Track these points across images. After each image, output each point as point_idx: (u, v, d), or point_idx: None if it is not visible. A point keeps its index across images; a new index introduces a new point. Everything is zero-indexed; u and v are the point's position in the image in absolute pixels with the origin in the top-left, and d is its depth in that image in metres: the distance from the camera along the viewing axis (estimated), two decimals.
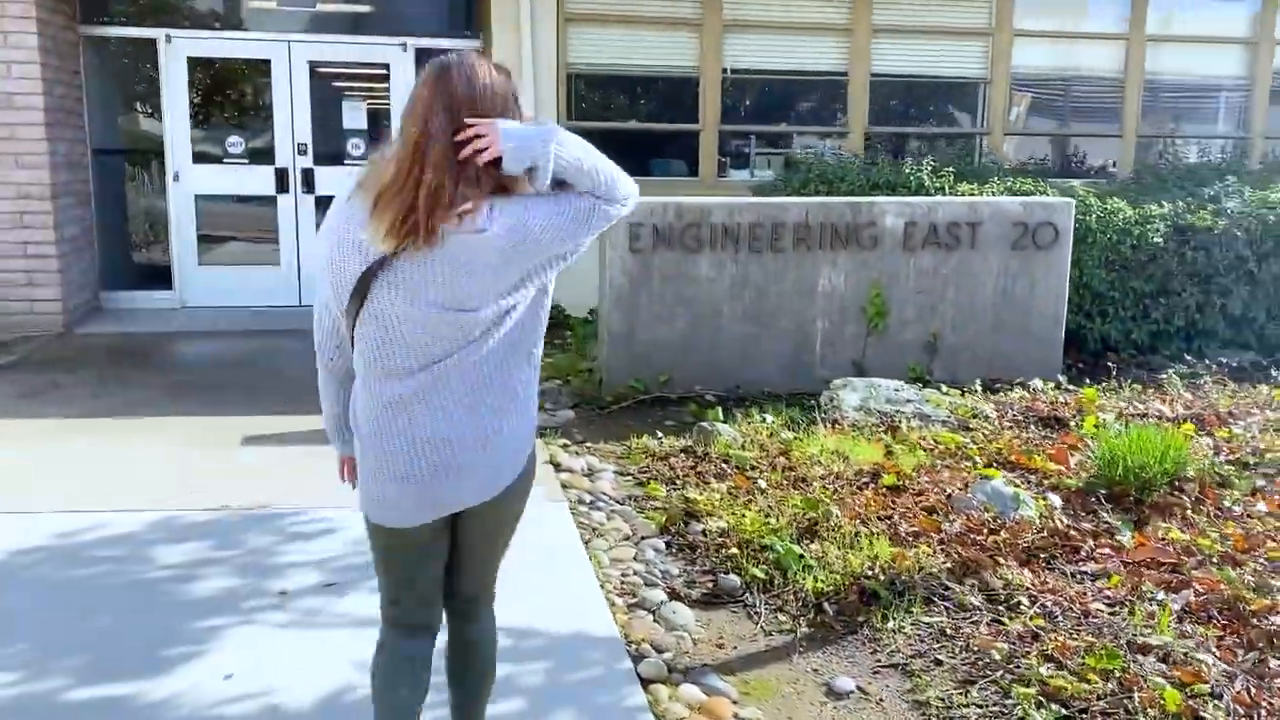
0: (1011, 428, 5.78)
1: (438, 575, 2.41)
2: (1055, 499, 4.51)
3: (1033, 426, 5.83)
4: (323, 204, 9.64)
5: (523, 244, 2.16)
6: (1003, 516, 4.27)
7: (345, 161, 9.62)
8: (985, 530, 4.17)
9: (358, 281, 2.18)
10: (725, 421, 5.79)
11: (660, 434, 5.77)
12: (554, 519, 4.50)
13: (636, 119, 9.32)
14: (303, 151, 9.48)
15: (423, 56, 9.73)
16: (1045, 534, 4.15)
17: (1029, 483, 4.87)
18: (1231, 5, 9.99)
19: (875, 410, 5.75)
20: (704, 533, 4.33)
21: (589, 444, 5.67)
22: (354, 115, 9.65)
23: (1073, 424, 5.81)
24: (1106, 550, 4.04)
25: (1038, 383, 6.60)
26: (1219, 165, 8.52)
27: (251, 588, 3.76)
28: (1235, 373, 7.05)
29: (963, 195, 7.23)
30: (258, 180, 9.49)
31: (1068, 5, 9.71)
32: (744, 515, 4.38)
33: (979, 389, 6.51)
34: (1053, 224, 6.75)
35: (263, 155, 9.45)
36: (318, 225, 9.58)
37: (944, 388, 6.44)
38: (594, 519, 4.57)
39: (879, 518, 4.34)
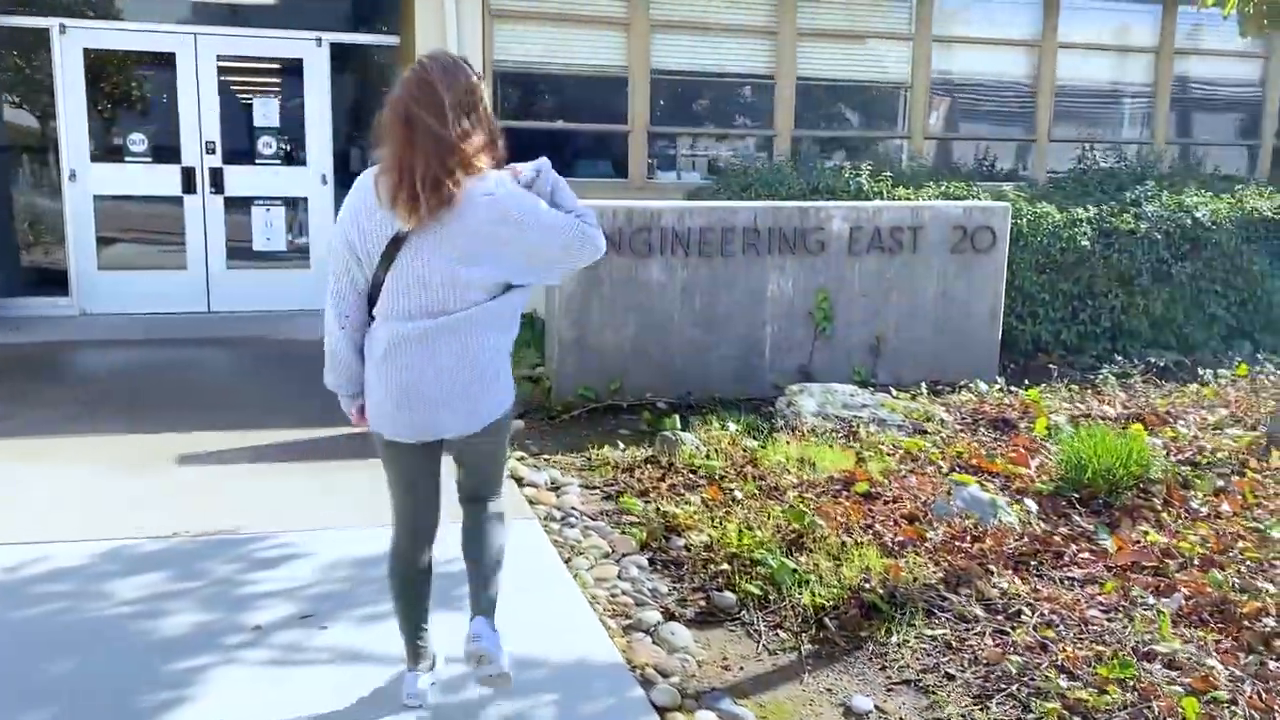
0: (964, 431, 5.84)
1: (431, 489, 2.98)
2: (1031, 504, 4.54)
3: (983, 429, 5.89)
4: (233, 206, 9.22)
5: (507, 221, 2.70)
6: (983, 523, 4.27)
7: (257, 161, 9.21)
8: (969, 538, 4.17)
9: (386, 246, 2.71)
10: (684, 429, 5.70)
11: (620, 444, 5.64)
12: (528, 538, 4.33)
13: (564, 119, 9.15)
14: (211, 150, 9.03)
15: (339, 52, 9.39)
16: (1027, 540, 4.17)
17: (995, 487, 4.91)
18: (1137, 14, 10.35)
19: (833, 416, 5.74)
20: (687, 548, 4.22)
21: (546, 456, 5.51)
22: (266, 112, 9.24)
23: (1022, 426, 5.90)
24: (1088, 555, 4.08)
25: (981, 385, 6.69)
26: (1135, 170, 8.81)
27: (223, 623, 3.50)
28: (1161, 372, 7.28)
29: (901, 200, 7.29)
30: (162, 180, 8.99)
31: (985, 12, 9.91)
32: (726, 528, 4.29)
33: (925, 391, 6.57)
34: (990, 228, 6.86)
35: (168, 154, 8.96)
36: (227, 228, 9.16)
37: (894, 391, 6.47)
38: (569, 536, 4.41)
39: (862, 527, 4.30)
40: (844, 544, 4.11)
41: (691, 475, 5.05)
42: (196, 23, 8.88)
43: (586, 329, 6.24)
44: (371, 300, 2.79)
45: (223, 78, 9.01)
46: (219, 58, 8.95)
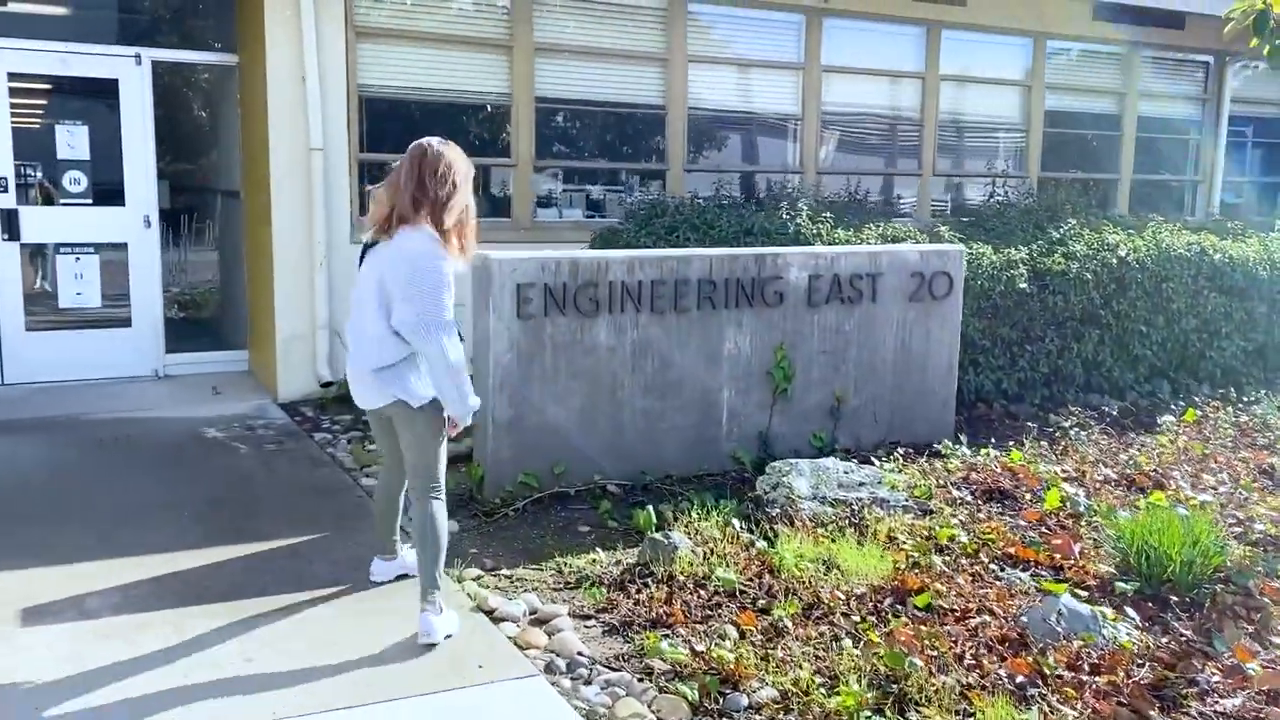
0: (962, 505, 5.20)
1: (394, 447, 4.02)
2: (1132, 613, 3.89)
3: (984, 502, 5.28)
4: (31, 254, 7.62)
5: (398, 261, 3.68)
6: (1095, 645, 3.58)
7: (62, 200, 7.65)
8: (1088, 667, 3.46)
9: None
10: (659, 524, 4.79)
11: (589, 548, 4.67)
12: (540, 707, 3.32)
13: None
14: (2, 188, 7.41)
15: (162, 71, 7.97)
16: (1149, 665, 3.51)
17: (1049, 579, 4.26)
18: (1010, 50, 10.24)
19: (830, 499, 4.97)
20: (754, 708, 3.32)
21: (506, 571, 4.47)
22: (73, 143, 7.68)
23: (1025, 497, 5.33)
24: (1220, 678, 3.46)
25: (956, 447, 6.11)
26: (1016, 204, 8.52)
27: None
28: (1104, 419, 6.95)
29: (843, 243, 6.66)
30: None
31: (869, 44, 9.50)
32: (795, 675, 3.42)
33: (897, 457, 5.92)
34: (947, 273, 6.32)
35: None
36: (25, 281, 7.54)
37: (886, 463, 5.78)
38: (591, 699, 3.42)
39: (953, 657, 3.53)
40: (958, 690, 3.31)
41: (701, 591, 4.15)
42: None
43: (526, 405, 5.23)
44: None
45: (17, 100, 7.43)
46: (11, 76, 7.37)
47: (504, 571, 4.46)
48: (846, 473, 5.14)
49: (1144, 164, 11.22)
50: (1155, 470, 5.73)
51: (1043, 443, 6.35)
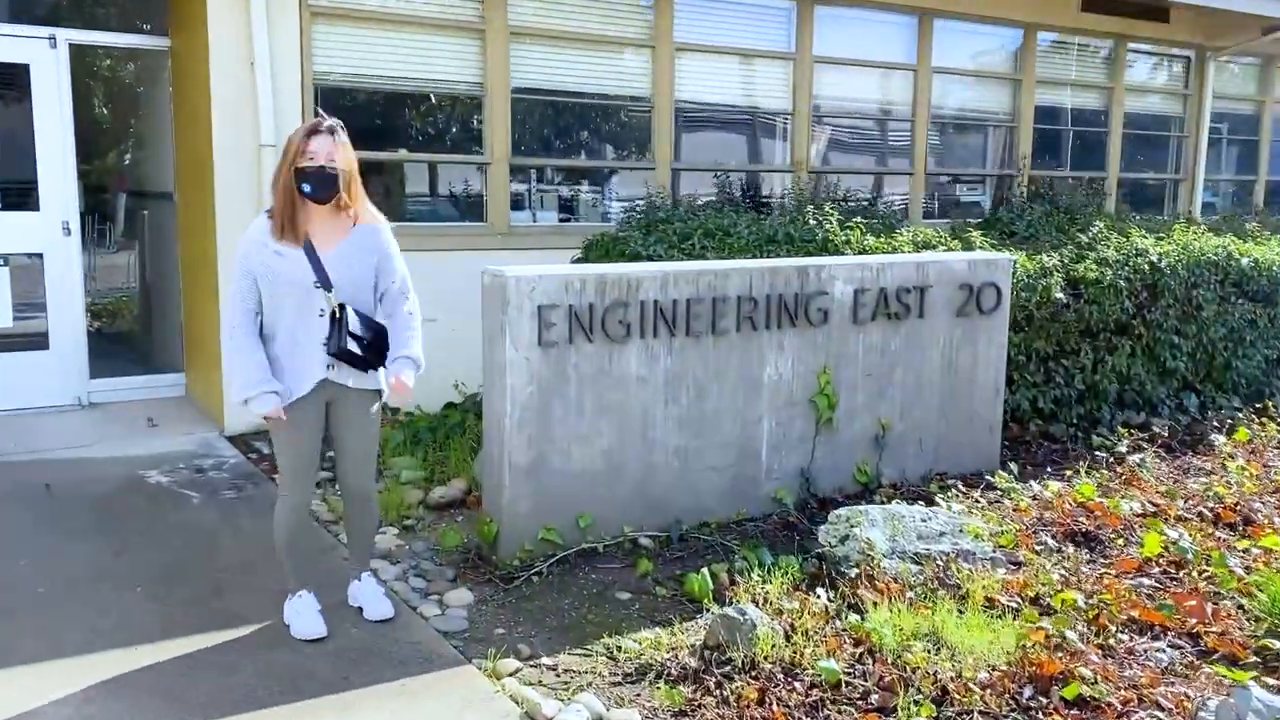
0: (1048, 553, 4.56)
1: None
2: None
3: (1069, 548, 4.64)
4: None
5: None
6: None
7: None
8: None
9: None
10: (718, 593, 4.05)
11: (644, 624, 3.91)
12: None
13: (405, 147, 7.17)
14: None
15: (81, 55, 6.95)
16: None
17: (1191, 651, 3.63)
18: (1000, 41, 9.72)
19: (910, 554, 4.27)
20: None
21: (546, 659, 3.67)
22: None
23: (1111, 539, 4.70)
24: None
25: (1016, 481, 5.47)
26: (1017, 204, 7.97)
27: None
28: (1153, 439, 6.41)
29: (874, 250, 5.98)
30: None
31: (857, 36, 8.86)
32: None
33: (961, 494, 5.27)
34: (996, 284, 5.69)
35: None
36: None
37: (953, 502, 5.11)
38: None
39: None
40: None
41: (796, 685, 3.41)
42: None
43: (549, 447, 4.43)
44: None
45: None
46: None
47: (544, 660, 3.66)
48: (924, 520, 4.45)
49: (1129, 161, 10.83)
50: (1238, 503, 5.16)
51: (1102, 470, 5.76)
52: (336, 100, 6.73)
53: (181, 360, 7.39)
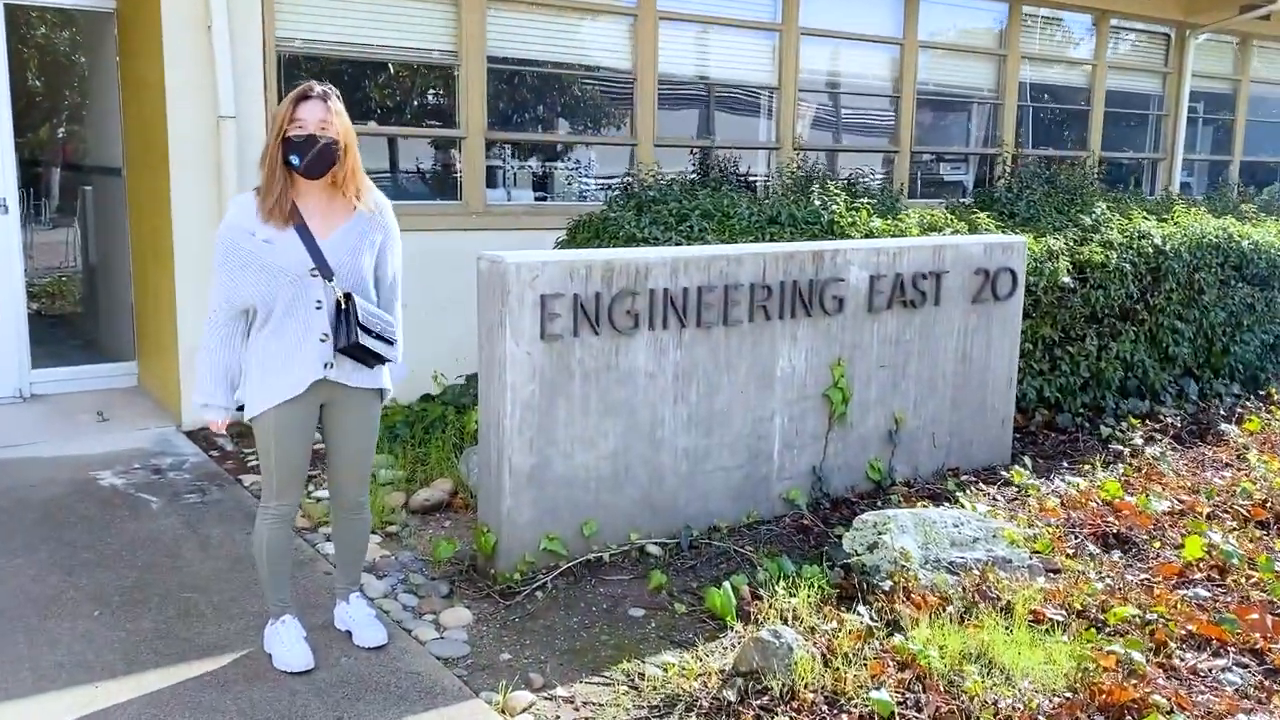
0: (1082, 557, 4.29)
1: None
2: None
3: (1099, 549, 4.38)
4: None
5: None
6: None
7: None
8: None
9: None
10: (741, 609, 3.72)
11: (664, 645, 3.56)
12: None
13: (373, 119, 6.69)
14: None
15: (16, 15, 6.37)
16: None
17: (1259, 669, 3.37)
18: (984, 16, 9.43)
19: (945, 562, 3.97)
20: None
21: (560, 690, 3.31)
22: None
23: (1144, 540, 4.44)
24: None
25: (1030, 476, 5.20)
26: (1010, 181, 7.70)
27: None
28: (1165, 430, 6.19)
29: (881, 232, 5.65)
30: None
31: (846, 5, 8.52)
32: None
33: (983, 493, 4.99)
34: (1011, 269, 5.40)
35: None
36: None
37: (963, 499, 4.82)
38: None
39: None
40: None
41: (842, 717, 3.08)
42: None
43: (552, 450, 4.05)
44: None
45: None
46: None
47: (559, 691, 3.30)
48: (956, 526, 4.14)
49: (1110, 140, 10.63)
50: (1267, 500, 4.94)
51: (1119, 464, 5.51)
52: (300, 69, 6.24)
53: (133, 348, 6.87)
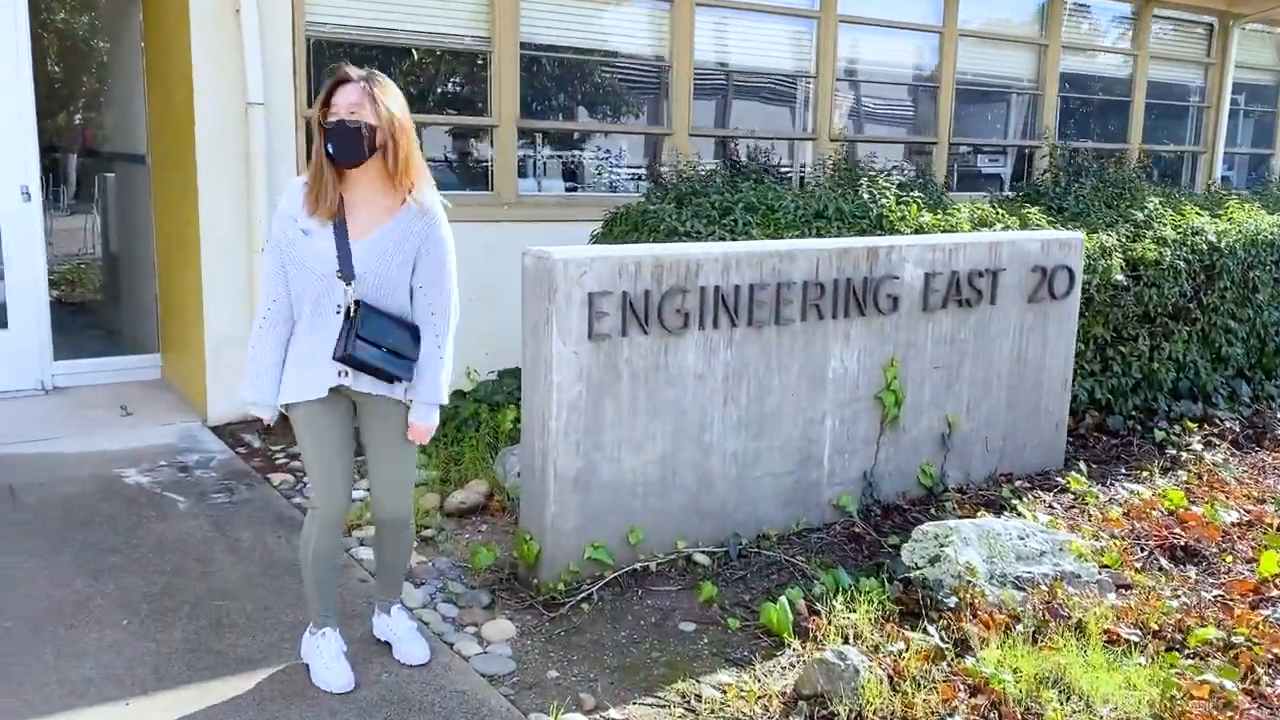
0: (1150, 572, 4.09)
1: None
2: None
3: (1169, 564, 4.18)
4: None
5: None
6: None
7: None
8: None
9: None
10: (798, 625, 3.53)
11: (718, 663, 3.38)
12: None
13: None
14: None
15: (39, 2, 6.20)
16: None
17: None
18: (1023, 4, 9.19)
19: (1012, 578, 3.77)
20: None
21: (613, 712, 3.13)
22: None
23: (1214, 554, 4.24)
24: None
25: (1086, 482, 5.00)
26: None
27: None
28: (1223, 434, 5.98)
29: (931, 227, 5.44)
30: None
31: (884, 0, 8.30)
32: None
33: (1042, 500, 4.80)
34: (1068, 267, 5.19)
35: None
36: None
37: (1014, 506, 4.62)
38: None
39: None
40: None
41: None
42: None
43: (598, 454, 3.87)
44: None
45: None
46: None
47: (612, 714, 3.12)
48: (1021, 538, 3.95)
49: (1149, 132, 10.37)
50: None
51: (1178, 471, 5.31)
52: (330, 55, 6.06)
53: (156, 340, 6.72)
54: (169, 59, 5.98)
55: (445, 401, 3.10)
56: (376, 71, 3.01)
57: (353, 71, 2.98)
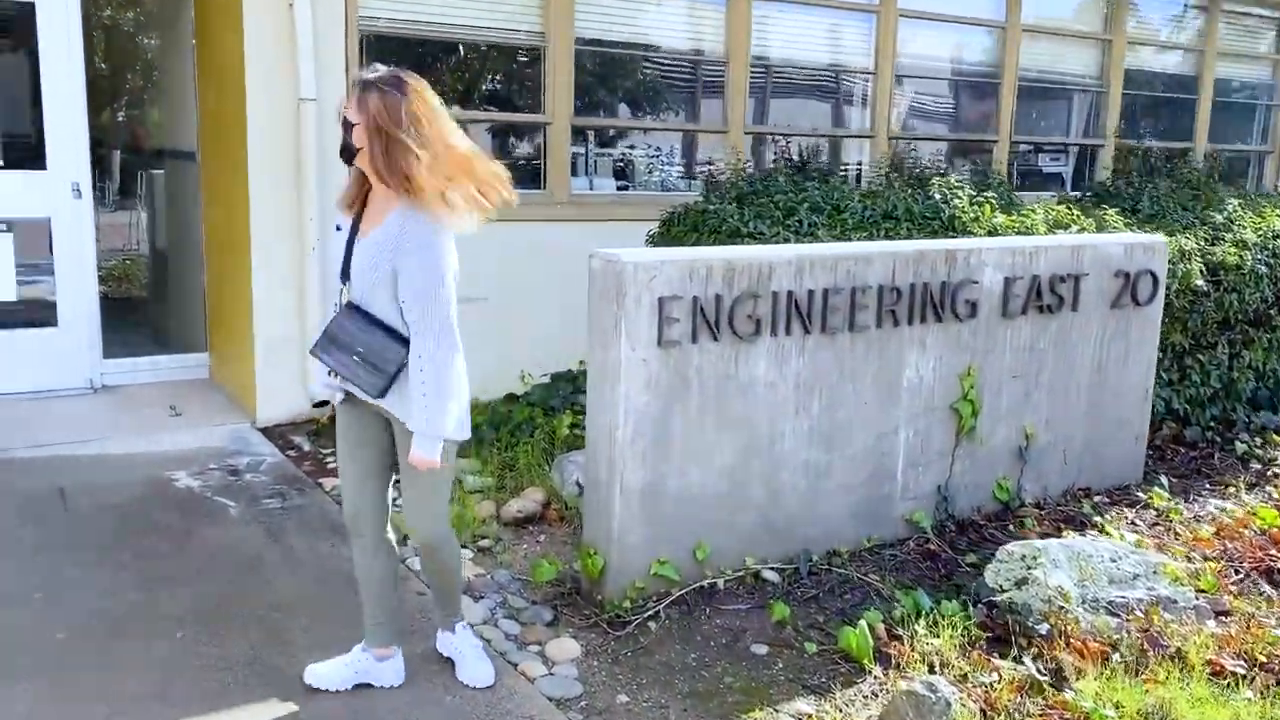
0: (1250, 596, 3.86)
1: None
2: None
3: (1268, 588, 3.95)
4: None
5: None
6: None
7: None
8: None
9: None
10: (879, 650, 3.35)
11: (797, 689, 3.20)
12: None
13: (457, 104, 6.37)
14: None
15: None
16: None
17: None
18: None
19: (1103, 602, 3.56)
20: None
21: None
22: None
23: None
24: None
25: (1165, 498, 4.77)
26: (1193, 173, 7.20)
27: None
28: None
29: (1004, 229, 5.22)
30: None
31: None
32: None
33: (1127, 517, 4.57)
34: (1152, 272, 4.95)
35: None
36: None
37: (1096, 523, 4.40)
38: None
39: None
40: None
41: None
42: None
43: (666, 466, 3.70)
44: None
45: None
46: None
47: None
48: (1113, 561, 3.73)
49: (1215, 132, 10.04)
50: None
51: (1267, 487, 5.06)
52: (383, 50, 5.93)
53: (204, 339, 6.63)
54: (220, 54, 5.88)
55: (444, 434, 2.83)
56: (377, 71, 2.84)
57: (363, 73, 2.87)
